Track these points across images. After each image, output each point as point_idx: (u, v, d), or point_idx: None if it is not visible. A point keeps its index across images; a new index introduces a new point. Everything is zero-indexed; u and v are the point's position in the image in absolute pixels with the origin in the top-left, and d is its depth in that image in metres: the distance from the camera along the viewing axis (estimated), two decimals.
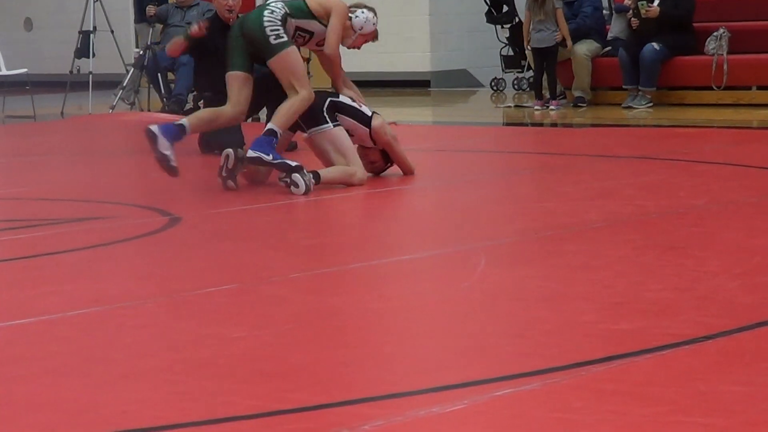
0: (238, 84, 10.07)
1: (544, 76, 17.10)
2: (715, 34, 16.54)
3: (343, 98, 10.19)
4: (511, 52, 19.62)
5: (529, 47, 17.24)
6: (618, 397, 4.58)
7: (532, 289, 6.50)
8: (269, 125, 9.94)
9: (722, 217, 8.48)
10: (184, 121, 10.07)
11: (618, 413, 4.40)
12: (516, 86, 19.81)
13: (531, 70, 18.31)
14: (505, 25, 19.77)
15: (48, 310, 6.26)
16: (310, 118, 9.95)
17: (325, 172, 9.79)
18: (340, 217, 9.20)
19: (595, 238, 7.85)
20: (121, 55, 18.87)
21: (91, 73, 18.77)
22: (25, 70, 19.09)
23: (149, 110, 18.10)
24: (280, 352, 5.43)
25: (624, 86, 16.71)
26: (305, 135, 10.12)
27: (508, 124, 16.57)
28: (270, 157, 9.73)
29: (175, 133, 9.88)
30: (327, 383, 4.94)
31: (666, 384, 4.73)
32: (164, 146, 9.78)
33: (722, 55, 16.40)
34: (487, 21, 19.89)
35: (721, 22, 16.72)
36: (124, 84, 18.73)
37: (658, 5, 16.52)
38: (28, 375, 5.13)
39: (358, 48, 10.76)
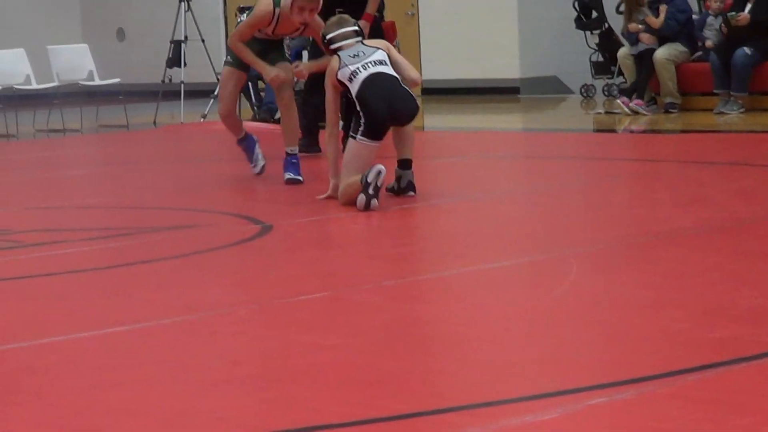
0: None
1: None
2: None
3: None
4: (600, 58, 19.54)
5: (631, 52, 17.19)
6: (714, 406, 4.55)
7: (624, 297, 6.47)
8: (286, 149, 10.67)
9: None
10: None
11: (714, 422, 4.37)
12: (606, 92, 19.73)
13: (621, 76, 18.23)
14: (594, 31, 19.70)
15: (143, 318, 6.30)
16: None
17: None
18: (429, 225, 9.19)
19: (688, 245, 7.79)
20: (212, 64, 18.97)
21: (182, 82, 18.88)
22: (118, 79, 19.24)
23: (240, 119, 18.16)
24: (371, 360, 5.43)
25: (715, 91, 16.61)
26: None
27: (598, 131, 16.50)
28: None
29: None
30: (419, 391, 4.94)
31: (763, 393, 4.70)
32: None
33: None
34: (577, 27, 19.82)
35: None
36: (216, 93, 18.80)
37: (749, 12, 16.42)
38: (125, 382, 5.16)
39: (304, 22, 10.42)
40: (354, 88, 9.55)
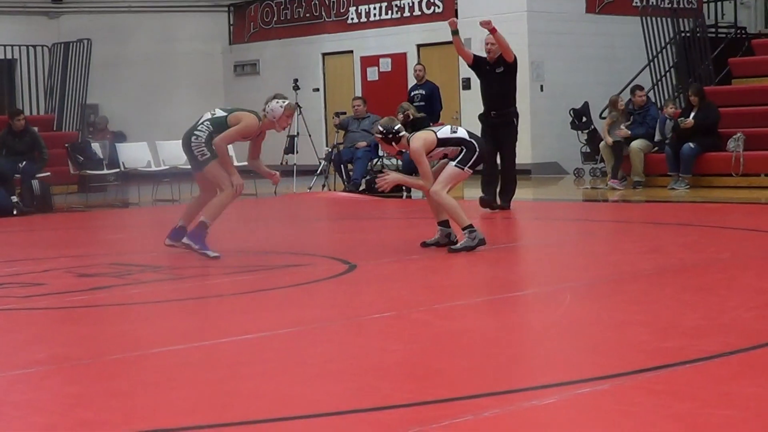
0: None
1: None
2: (734, 137, 16.35)
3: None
4: (588, 150, 19.48)
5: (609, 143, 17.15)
6: (664, 395, 4.51)
7: (603, 317, 6.43)
8: (201, 218, 9.58)
9: (740, 267, 8.33)
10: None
11: (664, 407, 4.34)
12: (591, 174, 19.65)
13: (602, 162, 18.16)
14: (584, 131, 19.65)
15: (263, 329, 6.31)
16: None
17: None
18: (465, 267, 9.17)
19: (648, 281, 7.74)
20: (315, 152, 19.05)
21: (295, 164, 18.97)
22: None
23: (334, 190, 18.23)
24: (423, 360, 5.42)
25: (669, 173, 16.55)
26: None
27: (586, 200, 16.42)
28: (197, 247, 9.44)
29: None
30: (457, 382, 4.92)
31: (700, 386, 4.66)
32: None
33: (739, 151, 16.18)
34: (571, 128, 19.78)
35: (739, 128, 16.53)
36: (318, 172, 18.91)
37: (693, 118, 16.39)
38: (248, 374, 5.17)
39: (285, 128, 10.21)
40: (463, 134, 9.50)
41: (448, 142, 9.47)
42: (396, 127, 9.55)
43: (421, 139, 9.45)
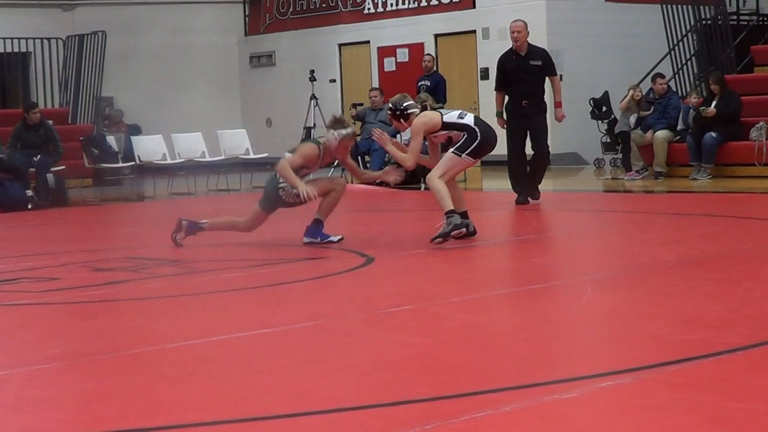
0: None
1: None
2: (757, 125, 16.30)
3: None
4: (608, 140, 19.45)
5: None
6: (687, 388, 4.51)
7: (624, 310, 6.42)
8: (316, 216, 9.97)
9: (764, 258, 8.31)
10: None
11: (686, 400, 4.33)
12: (612, 164, 19.63)
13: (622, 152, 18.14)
14: (603, 121, 19.62)
15: (281, 322, 6.33)
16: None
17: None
18: (484, 259, 9.17)
19: (670, 273, 7.73)
20: None
21: None
22: (267, 154, 19.38)
23: (351, 182, 18.23)
24: (443, 354, 5.42)
25: (691, 163, 16.50)
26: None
27: (606, 191, 16.39)
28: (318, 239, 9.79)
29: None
30: (476, 376, 4.92)
31: (723, 379, 4.65)
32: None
33: (762, 140, 16.13)
34: (591, 118, 19.75)
35: (762, 117, 16.47)
36: (334, 164, 18.89)
37: (714, 107, 16.34)
38: (267, 368, 5.18)
39: (341, 156, 10.25)
40: (469, 120, 9.49)
41: (453, 127, 9.52)
42: (405, 104, 9.60)
43: (425, 117, 9.55)
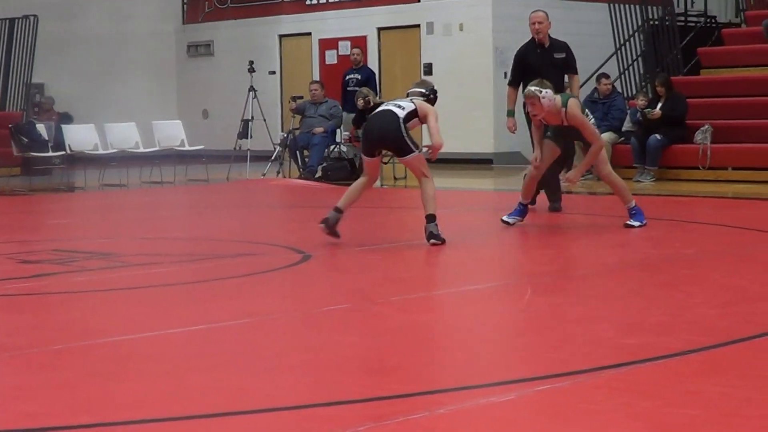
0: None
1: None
2: (702, 129, 16.47)
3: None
4: None
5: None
6: (627, 393, 4.55)
7: (564, 313, 6.47)
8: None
9: (706, 263, 8.40)
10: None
11: (626, 405, 4.37)
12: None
13: None
14: None
15: (214, 320, 6.30)
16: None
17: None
18: (426, 258, 9.19)
19: (612, 276, 7.79)
20: (270, 137, 19.00)
21: (249, 149, 18.92)
22: (202, 146, 19.29)
23: (289, 177, 18.21)
24: (380, 355, 5.43)
25: (634, 165, 16.64)
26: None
27: None
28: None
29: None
30: (414, 378, 4.93)
31: (663, 384, 4.69)
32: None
33: (707, 144, 16.30)
34: None
35: (706, 120, 16.65)
36: (272, 158, 18.87)
37: (660, 109, 16.51)
38: (199, 366, 5.16)
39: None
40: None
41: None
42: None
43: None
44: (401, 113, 9.40)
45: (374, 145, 9.53)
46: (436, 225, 9.32)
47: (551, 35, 12.44)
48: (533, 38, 12.32)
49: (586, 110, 10.61)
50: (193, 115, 25.28)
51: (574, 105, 10.11)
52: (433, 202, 9.39)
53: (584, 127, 10.14)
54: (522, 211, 10.74)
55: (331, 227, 9.53)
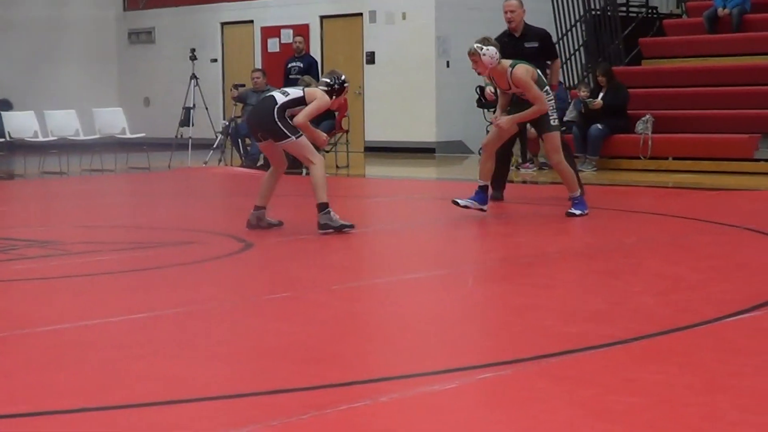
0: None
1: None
2: (643, 119, 16.58)
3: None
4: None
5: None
6: (568, 381, 4.57)
7: (505, 301, 6.49)
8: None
9: (646, 252, 8.46)
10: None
11: (567, 392, 4.39)
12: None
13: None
14: (490, 109, 19.75)
15: (153, 308, 6.27)
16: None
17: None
18: (367, 246, 9.20)
19: (553, 265, 7.83)
20: (212, 125, 18.92)
21: (190, 137, 18.82)
22: (144, 134, 19.17)
23: (231, 165, 18.14)
24: (320, 343, 5.42)
25: (576, 154, 16.72)
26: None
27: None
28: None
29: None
30: (355, 366, 4.93)
31: (603, 372, 4.72)
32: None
33: (648, 134, 16.41)
34: (477, 106, 19.88)
35: (647, 110, 16.76)
36: (214, 146, 18.79)
37: (602, 99, 16.61)
38: (137, 355, 5.13)
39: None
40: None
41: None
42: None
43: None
44: (281, 99, 9.34)
45: (253, 130, 9.70)
46: (328, 213, 9.29)
47: (527, 22, 12.34)
48: (507, 28, 12.23)
49: (547, 88, 10.49)
50: (134, 102, 25.11)
51: (521, 68, 10.15)
52: (323, 190, 9.31)
53: (528, 88, 10.16)
54: (482, 197, 10.51)
55: (255, 226, 9.61)
